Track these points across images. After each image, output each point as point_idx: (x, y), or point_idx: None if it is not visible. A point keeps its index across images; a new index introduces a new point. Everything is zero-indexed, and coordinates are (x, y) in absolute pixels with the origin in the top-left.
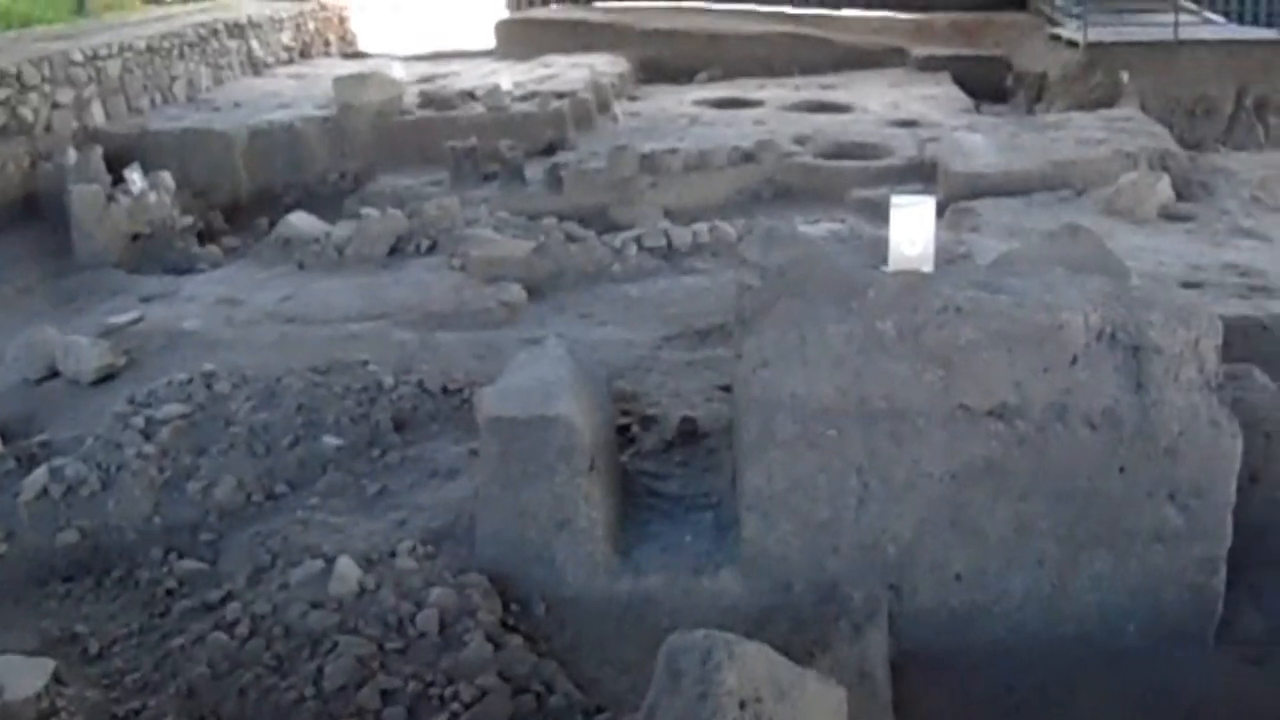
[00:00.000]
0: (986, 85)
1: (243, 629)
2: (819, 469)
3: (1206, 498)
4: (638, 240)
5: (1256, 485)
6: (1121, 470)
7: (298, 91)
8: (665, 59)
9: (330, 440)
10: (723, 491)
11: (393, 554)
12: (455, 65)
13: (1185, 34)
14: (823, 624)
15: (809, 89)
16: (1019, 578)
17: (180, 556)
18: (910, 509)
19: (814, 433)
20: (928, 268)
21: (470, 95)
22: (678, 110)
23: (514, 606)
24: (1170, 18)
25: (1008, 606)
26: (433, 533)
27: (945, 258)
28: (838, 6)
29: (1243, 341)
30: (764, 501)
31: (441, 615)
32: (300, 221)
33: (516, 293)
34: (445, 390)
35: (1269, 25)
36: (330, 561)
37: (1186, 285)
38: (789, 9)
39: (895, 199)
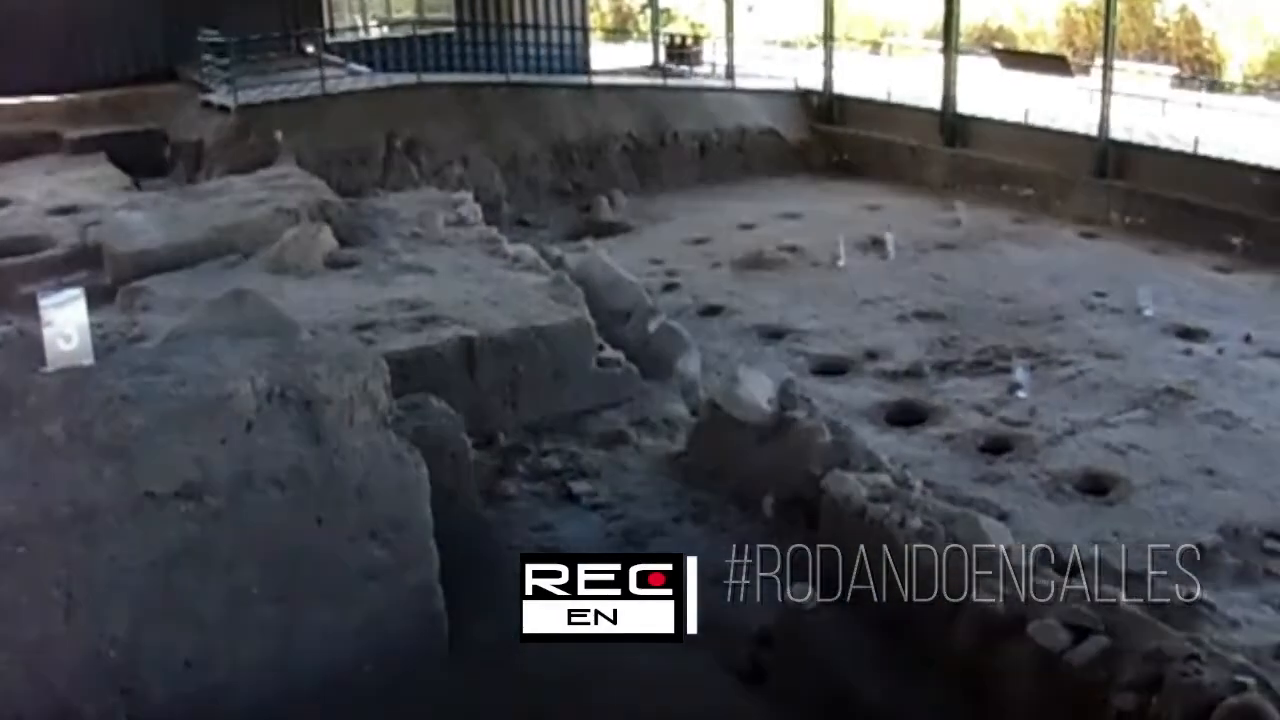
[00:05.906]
0: (146, 160)
1: None
2: (18, 590)
3: (405, 529)
4: None
5: (455, 502)
6: (320, 521)
7: None
8: None
9: None
10: None
11: None
12: None
13: (333, 87)
14: None
15: None
16: (246, 649)
17: None
18: (121, 608)
19: (3, 553)
20: (88, 360)
21: None
22: None
23: None
24: (317, 73)
25: (245, 680)
26: None
27: (114, 343)
28: None
29: (420, 372)
30: None
31: None
32: None
33: None
34: None
35: (411, 71)
36: None
37: (360, 328)
38: None
39: (42, 298)
